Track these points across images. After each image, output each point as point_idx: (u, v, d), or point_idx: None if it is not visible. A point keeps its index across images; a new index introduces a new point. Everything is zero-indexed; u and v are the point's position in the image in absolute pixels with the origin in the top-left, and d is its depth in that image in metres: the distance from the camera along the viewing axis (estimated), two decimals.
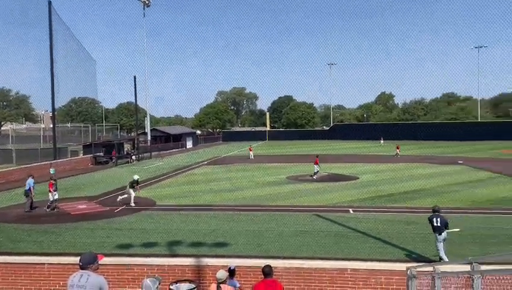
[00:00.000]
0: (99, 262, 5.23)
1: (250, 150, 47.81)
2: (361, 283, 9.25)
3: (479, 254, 11.45)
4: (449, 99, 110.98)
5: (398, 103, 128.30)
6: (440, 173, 30.31)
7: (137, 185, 20.99)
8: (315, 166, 30.27)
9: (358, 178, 28.66)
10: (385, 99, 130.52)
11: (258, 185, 26.74)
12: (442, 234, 11.14)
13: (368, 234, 14.26)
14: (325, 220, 16.53)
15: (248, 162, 42.67)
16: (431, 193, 22.24)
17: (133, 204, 20.05)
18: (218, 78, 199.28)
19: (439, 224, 11.24)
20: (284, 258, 10.55)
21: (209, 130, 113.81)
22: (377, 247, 12.78)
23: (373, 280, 9.15)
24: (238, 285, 7.87)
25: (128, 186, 20.81)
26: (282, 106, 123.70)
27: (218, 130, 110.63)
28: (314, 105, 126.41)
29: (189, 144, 77.71)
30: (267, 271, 6.83)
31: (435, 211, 11.62)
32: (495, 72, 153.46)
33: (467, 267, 4.53)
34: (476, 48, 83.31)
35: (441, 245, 11.12)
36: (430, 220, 11.45)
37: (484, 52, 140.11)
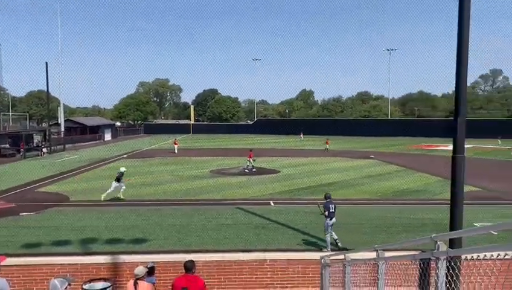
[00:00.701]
0: (2, 263, 4.80)
1: (175, 144, 46.56)
2: (279, 272, 9.60)
3: (385, 242, 12.45)
4: (363, 97, 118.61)
5: (317, 100, 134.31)
6: (353, 166, 32.34)
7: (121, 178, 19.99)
8: (249, 159, 30.87)
9: (279, 171, 29.53)
10: (306, 96, 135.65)
11: (181, 179, 26.36)
12: (333, 219, 12.00)
13: (288, 225, 14.76)
14: (247, 213, 16.80)
15: (171, 155, 41.82)
16: (344, 185, 23.66)
17: (122, 196, 19.53)
18: (140, 68, 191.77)
19: (333, 210, 12.12)
20: (205, 252, 10.55)
21: (130, 122, 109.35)
22: (296, 238, 13.28)
23: (291, 270, 9.53)
24: (154, 281, 7.72)
25: (119, 181, 19.82)
26: (207, 99, 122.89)
27: (139, 122, 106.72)
28: (239, 99, 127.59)
29: (107, 136, 74.05)
30: (189, 266, 6.76)
31: (328, 197, 12.50)
32: (403, 73, 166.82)
33: (373, 255, 4.90)
34: (387, 50, 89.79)
35: (330, 229, 12.04)
36: (327, 207, 12.22)
37: (395, 55, 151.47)
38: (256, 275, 9.57)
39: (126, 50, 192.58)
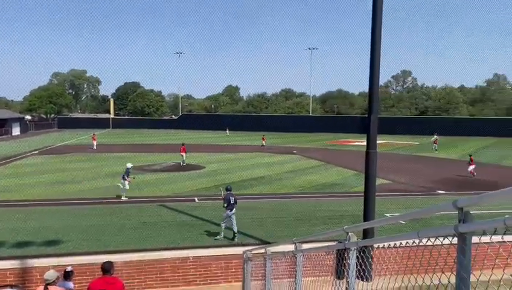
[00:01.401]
0: None
1: (94, 139, 43.92)
2: (202, 269, 9.53)
3: (306, 234, 12.96)
4: (287, 94, 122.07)
5: (243, 96, 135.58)
6: (277, 161, 33.20)
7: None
8: (182, 154, 30.41)
9: (204, 167, 29.34)
10: (232, 91, 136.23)
11: (99, 176, 25.02)
12: (233, 210, 12.47)
13: (212, 221, 14.71)
14: (170, 210, 16.45)
15: (90, 151, 39.52)
16: (268, 180, 24.20)
17: (124, 198, 18.34)
18: (54, 58, 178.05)
19: (234, 202, 12.63)
20: (125, 252, 10.13)
21: (42, 115, 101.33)
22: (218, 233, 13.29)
23: (214, 266, 9.52)
24: (71, 286, 7.24)
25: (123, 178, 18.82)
26: (129, 93, 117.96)
27: (52, 115, 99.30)
28: (163, 93, 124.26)
29: (15, 130, 68.00)
30: (107, 267, 6.47)
31: (228, 189, 13.00)
32: (324, 72, 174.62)
33: (292, 247, 5.05)
34: (309, 49, 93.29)
35: (231, 219, 12.46)
36: (227, 199, 12.61)
37: (316, 54, 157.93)
38: (179, 273, 9.41)
39: (37, 38, 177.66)
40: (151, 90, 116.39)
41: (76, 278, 8.61)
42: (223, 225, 12.47)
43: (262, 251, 6.49)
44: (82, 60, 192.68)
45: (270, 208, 17.25)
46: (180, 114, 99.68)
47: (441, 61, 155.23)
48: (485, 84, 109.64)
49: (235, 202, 12.70)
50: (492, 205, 15.38)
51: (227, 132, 71.55)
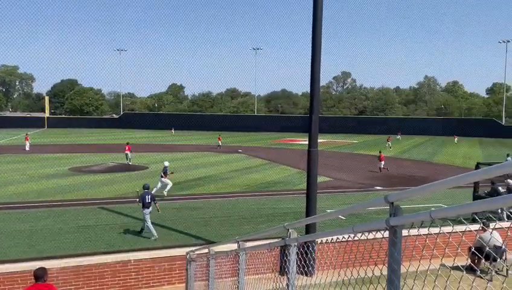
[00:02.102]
0: None
1: (27, 139, 41.15)
2: (145, 272, 9.27)
3: (250, 232, 13.04)
4: (232, 94, 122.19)
5: (188, 95, 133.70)
6: (223, 161, 33.12)
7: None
8: (127, 153, 29.58)
9: (148, 168, 28.57)
10: (176, 90, 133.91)
11: (32, 178, 23.51)
12: (150, 208, 12.67)
13: (155, 222, 14.35)
14: (111, 213, 15.85)
15: (22, 152, 36.98)
16: (214, 179, 24.07)
17: (165, 193, 19.19)
18: None
19: (149, 200, 12.78)
20: (61, 257, 9.59)
21: None
22: (163, 235, 13.00)
23: (156, 268, 9.29)
24: None
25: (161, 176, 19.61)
26: (66, 91, 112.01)
27: None
28: (103, 91, 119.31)
29: None
30: (39, 274, 6.13)
31: (146, 188, 13.25)
32: (269, 72, 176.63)
33: (235, 246, 5.05)
34: (254, 49, 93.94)
35: (148, 217, 12.60)
36: (143, 198, 12.77)
37: (261, 54, 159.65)
38: (120, 277, 9.08)
39: None
40: (91, 88, 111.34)
41: (6, 287, 8.03)
42: (149, 225, 12.53)
43: (206, 251, 6.44)
44: (14, 55, 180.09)
45: (215, 208, 17.15)
46: (122, 113, 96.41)
47: (378, 63, 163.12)
48: (417, 86, 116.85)
49: (153, 200, 12.89)
50: (426, 199, 16.41)
51: (173, 131, 70.24)
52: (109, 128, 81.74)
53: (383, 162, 28.74)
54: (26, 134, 44.04)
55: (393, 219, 2.05)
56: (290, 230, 3.31)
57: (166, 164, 20.40)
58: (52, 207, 16.62)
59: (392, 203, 2.09)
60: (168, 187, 19.66)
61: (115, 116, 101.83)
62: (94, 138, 57.45)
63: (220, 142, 46.00)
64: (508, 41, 79.22)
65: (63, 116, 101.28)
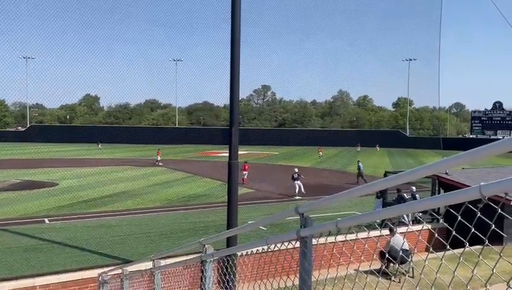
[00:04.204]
0: None
1: None
2: None
3: (170, 248, 12.63)
4: (152, 105, 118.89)
5: (103, 106, 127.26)
6: (142, 175, 31.90)
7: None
8: None
9: (57, 184, 26.52)
10: (90, 101, 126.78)
11: None
12: None
13: (65, 243, 13.30)
14: (14, 235, 14.37)
15: None
16: (132, 194, 23.05)
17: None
18: None
19: None
20: None
21: None
22: (74, 256, 12.06)
23: None
24: None
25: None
26: None
27: None
28: (6, 102, 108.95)
29: None
30: None
31: None
32: (189, 84, 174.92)
33: (150, 264, 4.81)
34: (173, 60, 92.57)
35: None
36: None
37: (181, 66, 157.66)
38: None
39: None
40: None
41: None
42: None
43: (119, 271, 6.06)
44: None
45: (133, 224, 16.40)
46: (29, 125, 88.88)
47: (296, 78, 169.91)
48: (332, 99, 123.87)
49: None
50: (341, 207, 17.26)
51: (100, 145, 65.94)
52: (14, 142, 74.75)
53: (246, 173, 28.87)
54: None
55: (303, 230, 2.08)
56: (206, 246, 3.22)
57: (296, 169, 24.40)
58: None
59: (302, 214, 2.12)
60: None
61: (20, 129, 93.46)
62: None
63: (159, 156, 42.72)
64: (410, 59, 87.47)
65: None
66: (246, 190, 24.03)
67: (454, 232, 1.55)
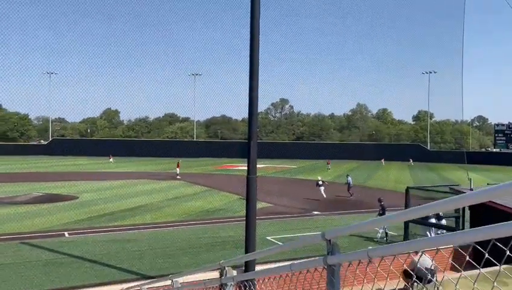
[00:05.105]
0: None
1: None
2: None
3: (188, 264, 12.54)
4: (170, 119, 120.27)
5: (123, 120, 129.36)
6: (160, 188, 32.05)
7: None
8: None
9: (77, 197, 26.84)
10: (111, 115, 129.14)
11: None
12: None
13: (84, 257, 13.36)
14: (34, 248, 14.51)
15: None
16: (151, 208, 23.12)
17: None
18: None
19: None
20: None
21: None
22: (93, 271, 12.10)
23: None
24: None
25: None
26: None
27: None
28: (30, 116, 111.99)
29: None
30: None
31: None
32: (208, 97, 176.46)
33: (169, 283, 4.72)
34: (192, 74, 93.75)
35: None
36: None
37: (199, 80, 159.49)
38: None
39: None
40: (17, 113, 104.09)
41: None
42: None
43: (138, 289, 5.98)
44: None
45: (151, 239, 16.38)
46: (51, 139, 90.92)
47: (314, 91, 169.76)
48: (350, 112, 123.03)
49: None
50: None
51: (111, 159, 66.63)
52: (36, 156, 76.49)
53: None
54: None
55: (330, 258, 1.96)
56: (226, 268, 3.11)
57: (319, 177, 28.86)
58: None
59: (329, 240, 2.00)
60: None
61: (42, 142, 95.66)
62: (19, 166, 53.26)
63: (178, 169, 42.25)
64: (430, 72, 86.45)
65: None
66: (263, 204, 23.82)
67: (487, 255, 1.42)
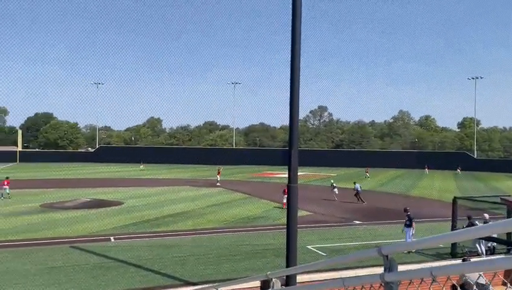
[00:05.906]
0: None
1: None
2: None
3: (229, 270, 12.61)
4: (210, 127, 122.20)
5: (165, 128, 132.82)
6: (201, 195, 32.53)
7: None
8: (5, 188, 29.36)
9: (123, 203, 27.72)
10: (154, 123, 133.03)
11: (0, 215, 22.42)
12: None
13: (129, 262, 13.76)
14: (83, 252, 15.11)
15: None
16: (192, 215, 23.50)
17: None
18: None
19: None
20: None
21: None
22: (138, 276, 12.43)
23: None
24: None
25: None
26: (40, 124, 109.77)
27: None
28: (79, 125, 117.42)
29: None
30: None
31: None
32: (248, 105, 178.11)
33: None
34: (232, 83, 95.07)
35: None
36: None
37: (239, 88, 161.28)
38: None
39: None
40: (67, 122, 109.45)
41: None
42: None
43: None
44: None
45: (193, 245, 16.63)
46: (98, 146, 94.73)
47: (353, 98, 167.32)
48: (392, 120, 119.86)
49: None
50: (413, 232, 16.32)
51: (142, 166, 68.53)
52: (84, 162, 79.88)
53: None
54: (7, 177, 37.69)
55: (388, 275, 1.90)
56: (273, 280, 3.10)
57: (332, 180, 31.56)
58: (20, 247, 15.75)
59: (387, 256, 1.95)
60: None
61: (90, 149, 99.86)
62: (68, 172, 55.85)
63: (219, 176, 42.23)
64: (477, 78, 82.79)
65: (36, 149, 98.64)
66: (303, 212, 23.58)
67: None
